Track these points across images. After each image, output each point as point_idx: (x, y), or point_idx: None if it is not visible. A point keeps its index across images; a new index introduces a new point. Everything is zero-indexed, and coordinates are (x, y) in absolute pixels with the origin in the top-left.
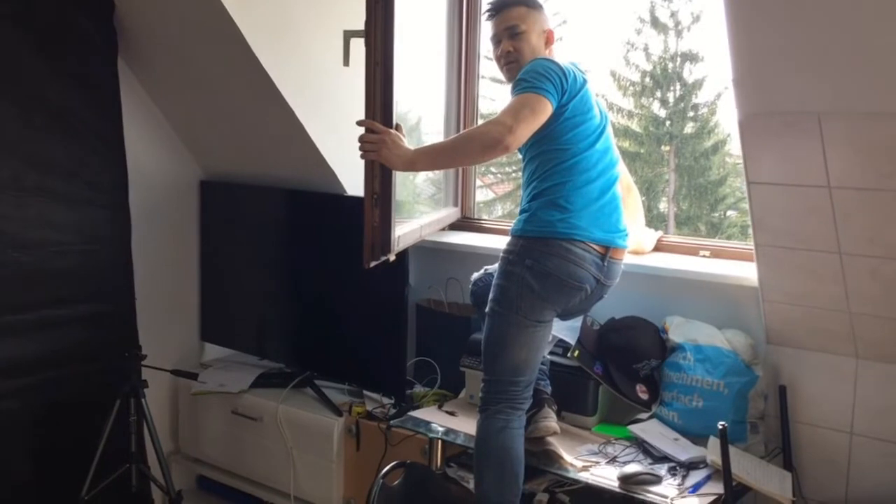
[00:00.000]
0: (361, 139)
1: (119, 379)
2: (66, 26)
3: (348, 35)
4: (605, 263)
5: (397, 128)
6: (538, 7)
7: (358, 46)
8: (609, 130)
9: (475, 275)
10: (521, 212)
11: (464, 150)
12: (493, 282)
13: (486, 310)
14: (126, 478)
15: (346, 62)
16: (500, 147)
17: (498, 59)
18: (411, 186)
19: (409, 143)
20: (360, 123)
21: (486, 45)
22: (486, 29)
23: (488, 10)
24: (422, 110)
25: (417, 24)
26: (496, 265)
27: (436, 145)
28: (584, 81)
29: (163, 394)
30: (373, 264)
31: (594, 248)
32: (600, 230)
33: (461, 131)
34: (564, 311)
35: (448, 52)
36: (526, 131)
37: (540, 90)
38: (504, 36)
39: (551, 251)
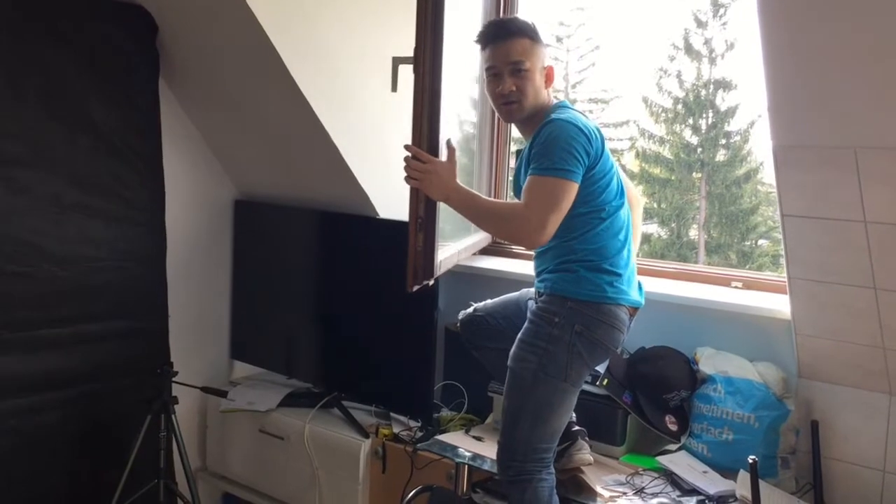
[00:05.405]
0: (408, 164)
1: (150, 395)
2: (110, 47)
3: (397, 62)
4: (630, 324)
5: (447, 143)
6: (541, 41)
7: (403, 73)
8: (624, 177)
9: (463, 313)
10: (560, 270)
11: (493, 224)
12: (527, 339)
13: (517, 368)
14: (154, 493)
15: (395, 88)
16: (528, 243)
17: (497, 96)
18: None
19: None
20: (408, 148)
21: None
22: None
23: (486, 36)
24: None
25: (456, 55)
26: (484, 302)
27: (473, 199)
28: (603, 137)
29: (192, 410)
30: (415, 288)
31: (630, 311)
32: (634, 292)
33: (499, 200)
34: None
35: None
36: (556, 227)
37: (567, 174)
38: (506, 71)
39: (601, 318)
